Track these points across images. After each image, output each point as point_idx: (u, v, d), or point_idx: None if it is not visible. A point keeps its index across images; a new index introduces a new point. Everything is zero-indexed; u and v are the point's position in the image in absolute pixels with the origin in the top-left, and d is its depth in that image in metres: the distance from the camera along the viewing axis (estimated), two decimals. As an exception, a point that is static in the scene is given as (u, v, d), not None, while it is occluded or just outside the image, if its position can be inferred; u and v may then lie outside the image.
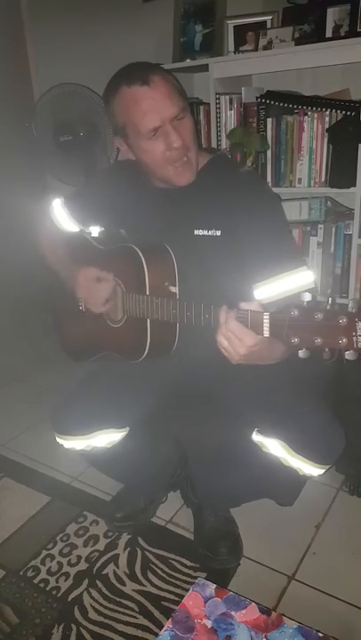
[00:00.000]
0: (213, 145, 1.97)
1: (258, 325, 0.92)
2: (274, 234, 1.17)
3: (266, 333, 0.91)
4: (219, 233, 1.18)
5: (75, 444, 1.35)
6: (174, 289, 1.18)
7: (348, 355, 0.80)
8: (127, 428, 1.37)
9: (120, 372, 1.34)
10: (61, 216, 1.41)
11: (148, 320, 1.18)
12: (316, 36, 1.72)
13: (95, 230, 1.42)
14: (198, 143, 1.19)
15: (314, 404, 1.20)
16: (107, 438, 1.35)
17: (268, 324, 0.90)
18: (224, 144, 1.96)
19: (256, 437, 1.23)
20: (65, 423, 1.34)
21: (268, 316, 0.90)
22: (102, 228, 1.41)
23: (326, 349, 0.81)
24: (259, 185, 1.28)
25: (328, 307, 0.81)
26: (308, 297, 0.84)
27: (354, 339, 0.78)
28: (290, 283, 1.10)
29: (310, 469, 1.17)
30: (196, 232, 1.20)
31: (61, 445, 1.38)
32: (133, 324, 1.23)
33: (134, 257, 1.18)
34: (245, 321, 0.94)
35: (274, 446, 1.20)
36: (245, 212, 1.15)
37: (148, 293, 1.17)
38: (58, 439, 1.37)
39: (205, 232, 1.19)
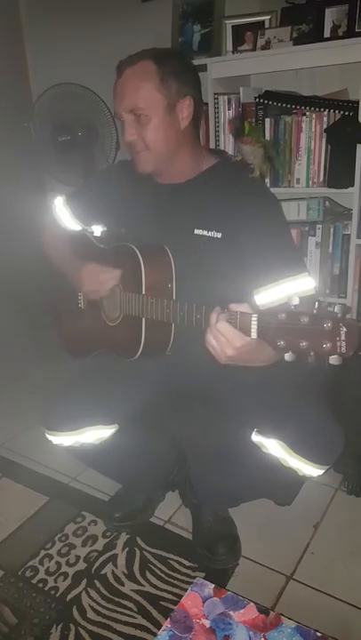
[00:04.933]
0: (212, 145, 1.97)
1: (246, 327, 0.93)
2: (276, 240, 1.18)
3: (254, 335, 0.92)
4: (219, 235, 1.19)
5: (63, 439, 1.35)
6: (172, 287, 1.19)
7: (333, 359, 0.80)
8: (116, 425, 1.37)
9: (113, 370, 1.35)
10: (63, 215, 1.41)
11: (144, 319, 1.19)
12: (315, 35, 1.72)
13: (97, 229, 1.42)
14: (178, 143, 1.18)
15: (313, 404, 1.20)
16: (95, 434, 1.34)
17: (255, 326, 0.91)
18: (223, 144, 1.96)
19: (255, 437, 1.23)
20: (53, 418, 1.34)
21: (256, 318, 0.91)
22: (105, 227, 1.41)
23: (311, 353, 0.82)
24: (262, 191, 1.28)
25: (315, 311, 0.82)
26: (296, 301, 0.85)
27: (338, 343, 0.79)
28: (290, 289, 1.11)
29: (310, 470, 1.17)
30: (196, 231, 1.21)
31: (50, 441, 1.37)
32: (129, 322, 1.24)
33: (132, 256, 1.18)
34: (235, 322, 0.95)
35: (273, 446, 1.20)
36: (248, 217, 1.17)
37: (144, 292, 1.17)
38: (46, 435, 1.36)
39: (205, 232, 1.20)
